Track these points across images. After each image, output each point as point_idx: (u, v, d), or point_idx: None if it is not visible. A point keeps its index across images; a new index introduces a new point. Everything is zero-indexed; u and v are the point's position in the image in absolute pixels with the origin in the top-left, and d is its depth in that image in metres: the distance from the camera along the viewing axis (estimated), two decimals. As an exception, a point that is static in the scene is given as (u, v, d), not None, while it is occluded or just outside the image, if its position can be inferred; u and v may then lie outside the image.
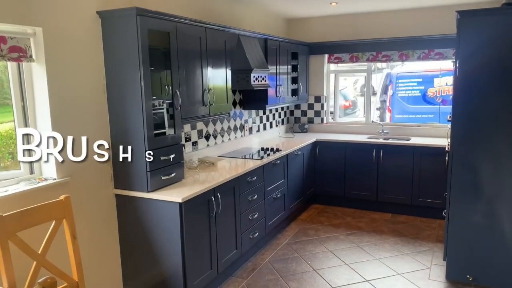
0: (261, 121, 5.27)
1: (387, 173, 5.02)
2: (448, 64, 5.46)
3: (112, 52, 2.87)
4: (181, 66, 3.16)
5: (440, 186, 4.46)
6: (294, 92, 5.40)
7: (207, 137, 4.16)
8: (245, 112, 4.88)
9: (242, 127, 4.82)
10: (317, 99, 5.94)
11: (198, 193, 2.95)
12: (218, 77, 3.65)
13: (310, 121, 6.03)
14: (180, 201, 2.79)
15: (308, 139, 5.32)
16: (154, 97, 2.96)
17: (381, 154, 5.00)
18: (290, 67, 5.17)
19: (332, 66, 5.97)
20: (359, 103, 9.64)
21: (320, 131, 5.95)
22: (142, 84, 2.77)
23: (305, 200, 5.15)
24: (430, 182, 4.78)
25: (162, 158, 2.97)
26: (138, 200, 2.96)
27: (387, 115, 7.49)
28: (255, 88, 4.04)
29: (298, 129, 5.93)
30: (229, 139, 4.57)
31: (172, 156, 3.05)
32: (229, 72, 3.80)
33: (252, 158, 4.09)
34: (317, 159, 5.38)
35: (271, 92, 4.64)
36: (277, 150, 4.52)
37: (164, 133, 3.06)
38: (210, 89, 3.52)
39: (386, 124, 5.60)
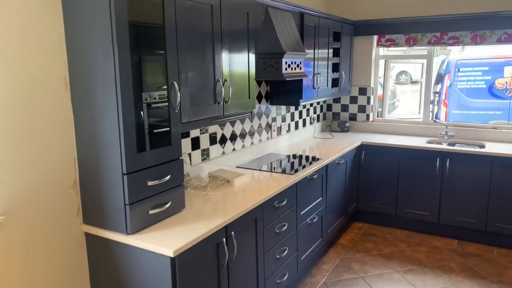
0: (292, 118, 4.23)
1: (454, 189, 3.91)
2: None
3: (76, 28, 1.90)
4: (182, 48, 2.16)
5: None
6: (335, 83, 4.32)
7: (222, 142, 3.17)
8: (273, 108, 3.86)
9: (268, 127, 3.81)
10: (362, 91, 4.83)
11: (201, 238, 1.98)
12: (237, 64, 2.64)
13: (352, 117, 4.93)
14: (172, 255, 1.82)
15: (351, 141, 4.25)
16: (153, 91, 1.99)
17: (447, 164, 3.89)
18: (331, 51, 4.09)
19: (382, 51, 4.83)
20: (398, 92, 8.42)
21: (365, 130, 4.86)
22: (117, 74, 1.79)
23: (346, 218, 4.12)
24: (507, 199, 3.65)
25: (150, 183, 2.00)
26: (115, 245, 2.02)
27: (442, 110, 6.29)
28: (287, 79, 3.01)
29: (337, 128, 4.86)
30: (252, 143, 3.56)
31: (166, 179, 2.08)
32: (252, 56, 2.78)
33: (282, 172, 3.08)
34: (361, 168, 4.31)
35: (306, 82, 3.59)
36: (314, 159, 3.48)
37: (160, 142, 2.09)
38: (226, 80, 2.52)
39: (451, 125, 4.45)
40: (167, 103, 2.09)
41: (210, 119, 2.47)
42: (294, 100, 3.62)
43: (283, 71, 2.99)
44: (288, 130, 4.17)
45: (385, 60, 4.86)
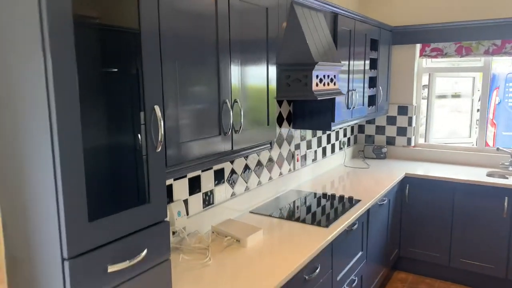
0: (319, 144, 3.46)
1: (528, 236, 3.06)
2: None
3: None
4: (170, 60, 1.43)
5: None
6: (371, 101, 3.55)
7: (231, 180, 2.41)
8: (296, 133, 3.09)
9: (291, 157, 3.04)
10: (402, 110, 4.04)
11: None
12: (251, 79, 1.89)
13: (390, 142, 4.13)
14: None
15: (392, 172, 3.44)
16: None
17: (519, 205, 3.05)
18: (367, 62, 3.33)
19: (426, 62, 4.04)
20: (423, 108, 7.54)
21: (406, 158, 4.04)
22: (51, 95, 1.06)
23: (387, 268, 3.29)
24: None
25: (113, 268, 1.25)
26: None
27: (490, 131, 5.43)
28: (318, 98, 2.24)
29: (371, 154, 4.06)
30: (270, 178, 2.80)
31: (141, 256, 1.33)
32: (272, 69, 2.03)
33: (312, 223, 2.30)
34: (405, 205, 3.50)
35: (339, 100, 2.83)
36: (352, 201, 2.69)
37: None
38: (236, 101, 1.77)
39: (516, 153, 3.61)
40: (143, 138, 1.35)
41: (213, 158, 1.72)
42: (324, 124, 2.85)
43: (314, 87, 2.23)
44: (315, 159, 3.39)
45: (429, 74, 4.06)
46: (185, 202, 2.06)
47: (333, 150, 3.71)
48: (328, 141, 3.62)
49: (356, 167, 3.70)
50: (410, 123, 4.01)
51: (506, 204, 3.09)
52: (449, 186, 3.31)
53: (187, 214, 2.07)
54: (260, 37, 1.92)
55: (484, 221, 3.20)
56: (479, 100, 5.52)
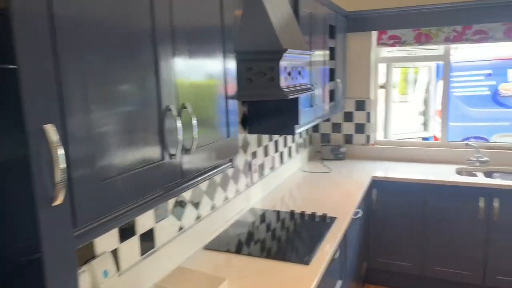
0: (276, 149, 2.96)
1: (506, 238, 2.82)
2: None
3: None
4: (73, 57, 0.81)
5: None
6: (331, 96, 3.12)
7: (177, 212, 1.81)
8: (251, 138, 2.56)
9: (248, 168, 2.50)
10: (360, 105, 3.67)
11: None
12: (203, 75, 1.30)
13: (348, 140, 3.75)
14: None
15: (357, 176, 3.05)
16: None
17: (496, 205, 2.79)
18: (327, 52, 2.88)
19: (383, 51, 3.70)
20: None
21: (366, 157, 3.68)
22: None
23: (357, 285, 2.89)
24: None
25: None
26: None
27: (437, 123, 5.32)
28: (289, 97, 1.72)
29: (330, 155, 3.65)
30: (226, 198, 2.23)
31: None
32: (230, 61, 1.46)
33: (288, 259, 1.78)
34: (372, 212, 3.12)
35: (301, 97, 2.33)
36: (325, 218, 2.22)
37: None
38: (184, 106, 1.18)
39: (483, 147, 3.38)
40: (26, 179, 0.73)
41: (154, 197, 1.11)
42: (286, 126, 2.33)
43: (282, 82, 1.70)
44: (272, 167, 2.88)
45: (387, 64, 3.73)
46: (115, 253, 1.43)
47: (290, 155, 3.23)
48: (285, 144, 3.13)
49: (317, 172, 3.26)
50: (368, 119, 3.65)
51: (482, 205, 2.82)
52: (420, 188, 2.98)
53: (118, 270, 1.44)
54: (213, 23, 1.34)
55: (459, 224, 2.92)
56: (426, 92, 5.40)
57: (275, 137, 2.92)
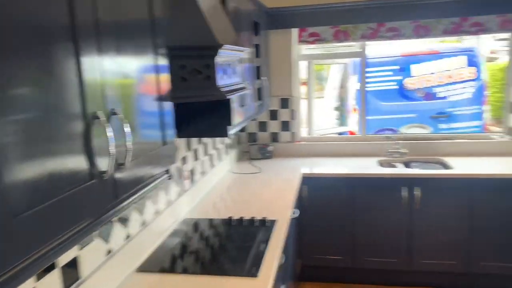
0: (205, 152, 2.79)
1: (428, 224, 2.99)
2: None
3: None
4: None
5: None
6: (258, 95, 3.04)
7: (104, 233, 1.57)
8: (180, 142, 2.37)
9: (179, 175, 2.30)
10: (284, 103, 3.65)
11: None
12: (133, 74, 1.10)
13: (275, 138, 3.71)
14: None
15: (287, 173, 3.01)
16: None
17: (418, 194, 2.94)
18: (254, 50, 2.79)
19: (303, 49, 3.72)
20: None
21: (292, 154, 3.68)
22: None
23: (294, 283, 2.86)
24: (498, 235, 2.89)
25: None
26: None
27: (352, 117, 5.56)
28: (227, 97, 1.58)
29: (258, 154, 3.57)
30: (157, 211, 2.01)
31: None
32: (162, 58, 1.28)
33: (234, 273, 1.64)
34: (304, 209, 3.11)
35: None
36: (264, 222, 2.12)
37: None
38: (114, 113, 0.97)
39: (401, 138, 3.55)
40: None
41: (81, 228, 0.89)
42: (218, 128, 2.17)
43: (218, 81, 1.55)
44: (203, 172, 2.71)
45: (308, 62, 3.75)
46: (31, 294, 1.17)
47: (219, 157, 3.09)
48: (214, 146, 2.98)
49: (247, 173, 3.16)
50: (293, 117, 3.65)
51: (404, 194, 2.96)
52: (346, 182, 3.04)
53: (36, 314, 1.18)
54: (142, 15, 1.15)
55: (385, 215, 3.03)
56: (341, 87, 5.61)
57: (204, 139, 2.76)
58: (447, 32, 3.34)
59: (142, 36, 1.15)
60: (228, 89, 1.62)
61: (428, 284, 3.07)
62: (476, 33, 3.31)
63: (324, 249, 3.14)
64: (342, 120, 5.54)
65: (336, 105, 5.71)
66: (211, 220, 2.21)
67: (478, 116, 5.07)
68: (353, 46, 3.75)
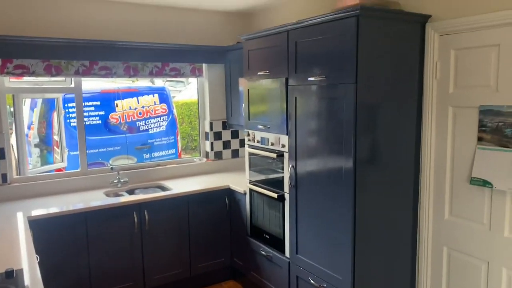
0: None
1: (156, 241, 3.34)
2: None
3: None
4: None
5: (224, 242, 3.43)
6: None
7: None
8: None
9: None
10: None
11: None
12: None
13: (-22, 183, 3.15)
14: None
15: (10, 220, 2.69)
16: None
17: (146, 216, 3.26)
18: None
19: (10, 82, 3.36)
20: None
21: (6, 199, 3.24)
22: None
23: None
24: (214, 238, 3.61)
25: None
26: None
27: (57, 152, 5.29)
28: None
29: (-43, 205, 2.93)
30: None
31: None
32: None
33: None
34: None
35: None
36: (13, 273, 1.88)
37: None
38: None
39: (119, 169, 3.75)
40: None
41: None
42: None
43: None
44: None
45: (14, 95, 3.41)
46: None
47: None
48: None
49: (-50, 228, 2.57)
50: (2, 156, 3.23)
51: (136, 219, 3.21)
52: (81, 217, 3.00)
53: None
54: None
55: (120, 241, 3.18)
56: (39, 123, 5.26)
57: None
58: (153, 74, 3.88)
59: None
60: None
61: (162, 296, 3.43)
62: (175, 76, 4.02)
63: (59, 293, 2.95)
64: (47, 157, 5.20)
65: (36, 142, 5.31)
66: None
67: (173, 145, 5.95)
68: (64, 81, 3.71)
